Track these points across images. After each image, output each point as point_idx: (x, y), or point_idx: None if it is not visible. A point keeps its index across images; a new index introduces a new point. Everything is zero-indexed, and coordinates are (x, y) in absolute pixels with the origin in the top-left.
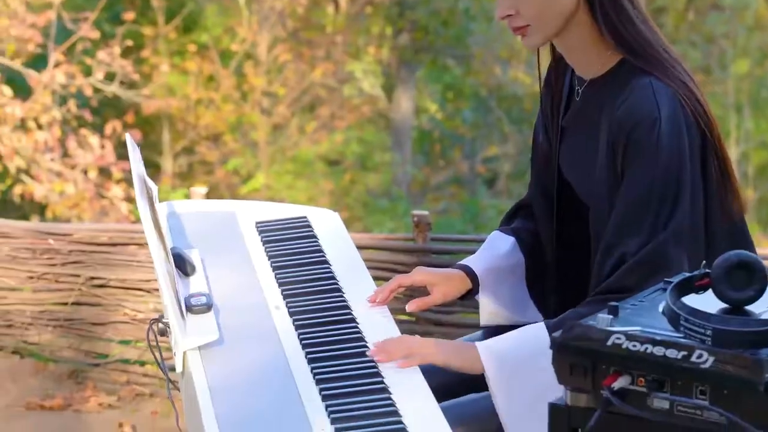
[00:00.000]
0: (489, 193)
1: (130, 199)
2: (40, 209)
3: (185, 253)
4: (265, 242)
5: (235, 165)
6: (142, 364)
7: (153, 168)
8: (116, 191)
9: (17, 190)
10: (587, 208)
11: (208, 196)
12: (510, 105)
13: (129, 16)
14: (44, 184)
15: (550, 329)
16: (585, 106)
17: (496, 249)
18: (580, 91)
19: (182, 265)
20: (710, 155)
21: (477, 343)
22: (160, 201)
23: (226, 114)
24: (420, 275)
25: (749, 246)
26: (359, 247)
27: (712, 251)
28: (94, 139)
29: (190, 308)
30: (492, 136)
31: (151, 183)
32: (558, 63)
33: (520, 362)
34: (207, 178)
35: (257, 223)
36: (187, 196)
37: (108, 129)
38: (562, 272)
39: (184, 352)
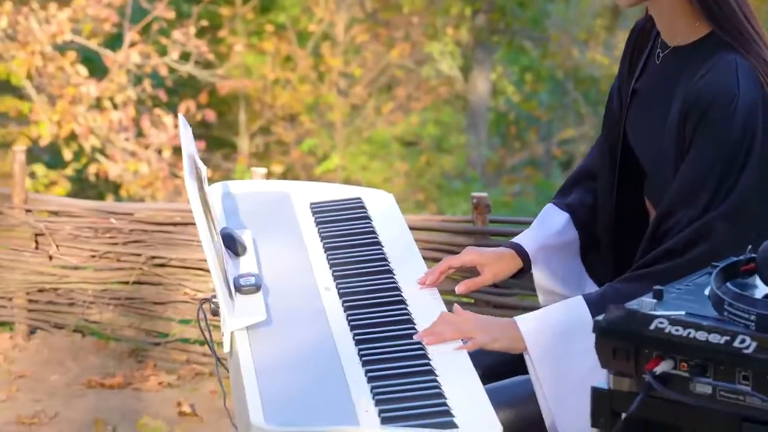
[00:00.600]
0: (564, 176)
1: None
2: (115, 188)
3: (236, 234)
4: (318, 223)
5: (309, 145)
6: (202, 343)
7: (229, 147)
8: None
9: (92, 169)
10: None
11: (284, 176)
12: (587, 87)
13: None
14: (119, 163)
15: (590, 304)
16: (663, 72)
17: (549, 226)
18: (661, 55)
19: (233, 245)
20: None
21: (518, 322)
22: (234, 180)
23: (302, 94)
24: (470, 255)
25: None
26: (418, 229)
27: None
28: (168, 119)
29: (239, 288)
30: (568, 119)
31: (200, 163)
32: (646, 24)
33: (562, 343)
34: (283, 158)
35: (311, 203)
36: (263, 177)
37: (182, 108)
38: (618, 243)
39: (232, 332)
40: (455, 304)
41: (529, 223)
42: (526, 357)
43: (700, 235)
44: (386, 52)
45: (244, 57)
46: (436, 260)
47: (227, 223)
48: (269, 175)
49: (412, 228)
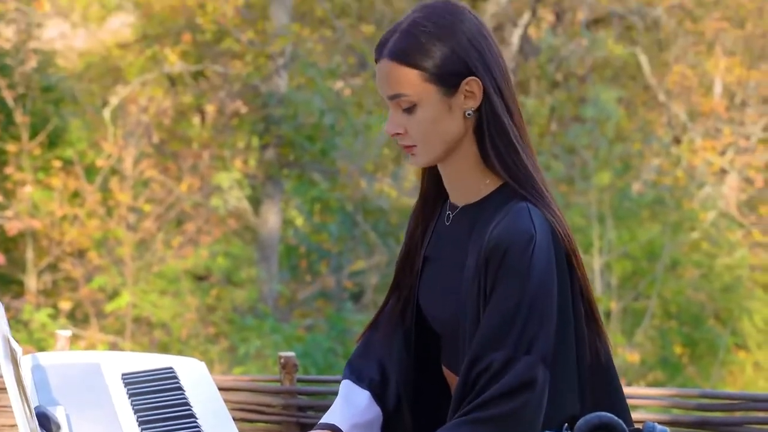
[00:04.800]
0: (355, 308)
1: None
2: None
3: (50, 412)
4: (131, 395)
5: (99, 283)
6: None
7: (16, 285)
8: None
9: None
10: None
11: (72, 312)
12: (376, 218)
13: None
14: None
15: None
16: (454, 232)
17: (355, 404)
18: (451, 216)
19: (48, 425)
20: (577, 293)
21: None
22: (24, 321)
23: (90, 230)
24: None
25: (615, 387)
26: (226, 390)
27: (580, 389)
28: None
29: None
30: (358, 250)
31: (15, 344)
32: (429, 195)
33: None
34: (72, 294)
35: (123, 374)
36: (52, 316)
37: None
38: (418, 415)
39: None
40: None
41: (335, 382)
42: None
43: (526, 379)
44: (175, 185)
45: (32, 194)
46: (246, 420)
47: (38, 399)
48: (58, 313)
49: (220, 389)
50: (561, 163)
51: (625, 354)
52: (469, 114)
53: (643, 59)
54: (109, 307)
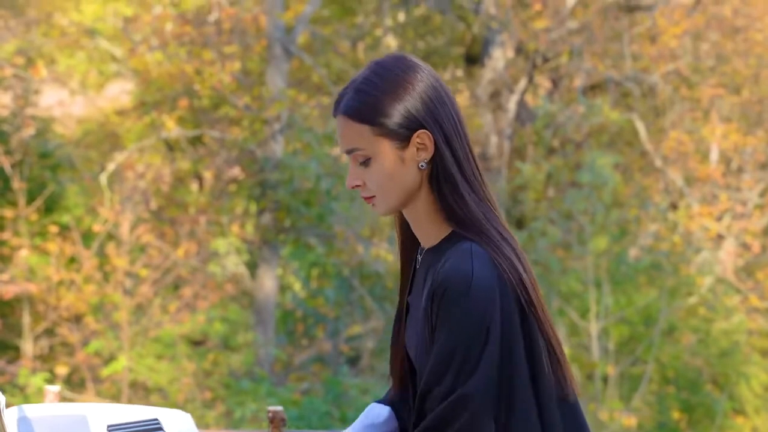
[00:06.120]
0: (352, 372)
1: None
2: None
3: None
4: None
5: (96, 347)
6: None
7: (12, 350)
8: None
9: None
10: None
11: (69, 378)
12: (373, 282)
13: None
14: None
15: None
16: (419, 275)
17: (375, 416)
18: (419, 259)
19: None
20: (534, 332)
21: None
22: (20, 386)
23: (87, 295)
24: None
25: (581, 423)
26: None
27: (547, 429)
28: None
29: None
30: (355, 315)
31: None
32: (406, 237)
33: None
34: (68, 359)
35: (109, 426)
36: (48, 380)
37: None
38: None
39: None
40: None
41: None
42: None
43: (456, 410)
44: (172, 250)
45: (28, 259)
46: None
47: None
48: (54, 378)
49: None
50: (558, 229)
51: (622, 419)
52: (422, 165)
53: (640, 125)
54: (106, 372)
